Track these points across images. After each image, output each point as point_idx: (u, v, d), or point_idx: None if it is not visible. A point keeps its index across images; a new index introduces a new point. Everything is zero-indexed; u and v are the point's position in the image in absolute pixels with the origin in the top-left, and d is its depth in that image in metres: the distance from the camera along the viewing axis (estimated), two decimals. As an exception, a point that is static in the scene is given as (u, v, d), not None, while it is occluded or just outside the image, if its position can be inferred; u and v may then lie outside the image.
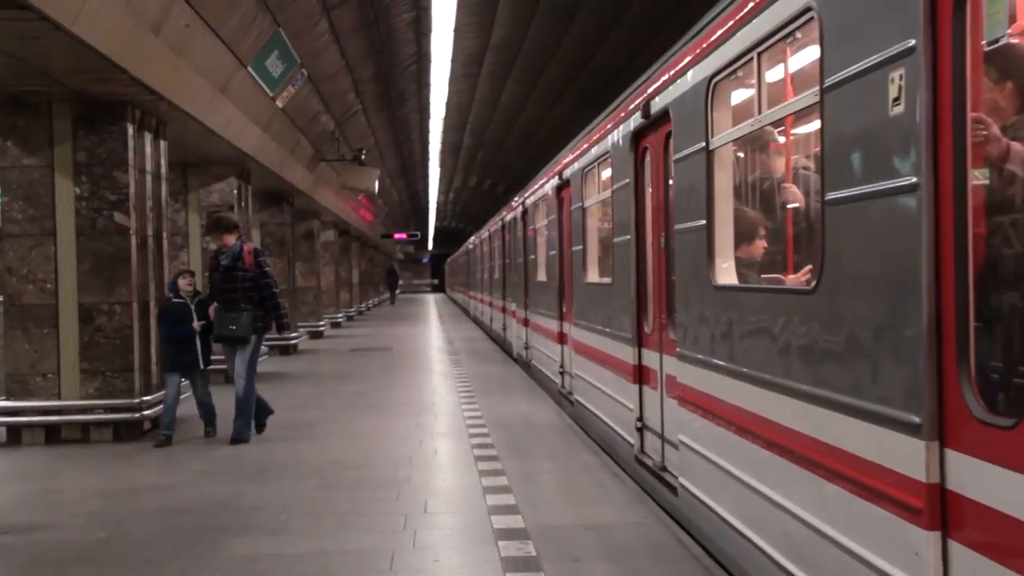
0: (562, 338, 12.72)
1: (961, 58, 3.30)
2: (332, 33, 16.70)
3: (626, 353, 8.56)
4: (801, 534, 4.52)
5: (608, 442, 9.49)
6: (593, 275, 10.62)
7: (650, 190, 7.94)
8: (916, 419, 3.48)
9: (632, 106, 8.18)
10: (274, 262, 21.70)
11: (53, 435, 10.45)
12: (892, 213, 3.68)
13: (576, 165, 11.35)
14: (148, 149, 11.13)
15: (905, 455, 3.56)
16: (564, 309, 12.57)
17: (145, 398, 10.61)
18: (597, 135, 10.05)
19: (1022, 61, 3.21)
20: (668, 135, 7.10)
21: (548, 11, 21.75)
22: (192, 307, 10.52)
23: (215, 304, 10.45)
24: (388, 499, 7.65)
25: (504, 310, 21.64)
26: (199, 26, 10.84)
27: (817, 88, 4.32)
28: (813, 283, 4.43)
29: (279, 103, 15.54)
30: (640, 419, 8.26)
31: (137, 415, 10.51)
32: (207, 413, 10.89)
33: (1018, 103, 3.41)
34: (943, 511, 3.41)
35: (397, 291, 68.90)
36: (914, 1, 3.44)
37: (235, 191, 16.03)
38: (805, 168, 5.47)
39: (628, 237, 8.39)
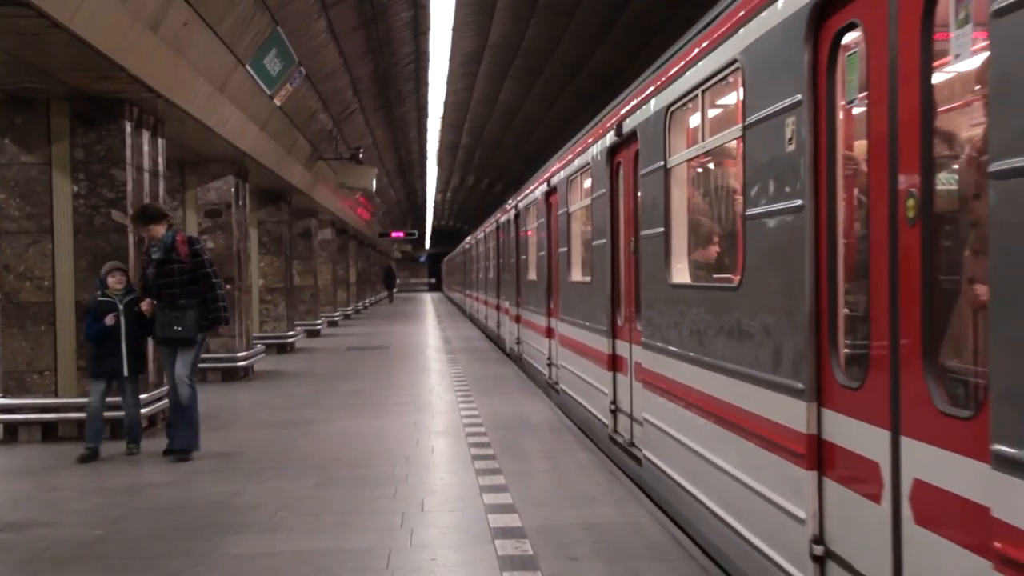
0: (550, 333, 13.57)
1: (833, 111, 4.38)
2: (330, 31, 16.69)
3: (602, 344, 9.59)
4: (727, 484, 5.68)
5: (588, 425, 10.49)
6: (576, 275, 11.51)
7: (623, 200, 8.92)
8: (800, 386, 4.58)
9: (609, 124, 9.23)
10: (272, 260, 21.83)
11: (50, 433, 10.45)
12: (786, 228, 4.77)
13: (562, 174, 12.34)
14: (146, 147, 11.13)
15: (793, 414, 4.67)
16: (552, 306, 13.40)
17: (142, 396, 10.57)
18: (580, 147, 11.04)
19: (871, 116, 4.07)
20: (637, 152, 8.10)
21: (546, 10, 21.77)
22: (120, 306, 9.55)
23: (148, 300, 9.49)
24: (385, 498, 7.66)
25: (498, 308, 22.65)
26: (197, 24, 10.84)
27: (740, 125, 5.38)
28: (737, 282, 5.47)
29: (277, 101, 15.53)
30: (613, 402, 9.32)
31: (134, 413, 10.48)
32: (131, 428, 9.82)
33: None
34: (819, 455, 4.49)
35: (395, 290, 68.95)
36: (800, 66, 4.52)
37: (232, 189, 16.03)
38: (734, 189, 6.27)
39: (604, 241, 9.43)
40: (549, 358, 13.63)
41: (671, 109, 6.98)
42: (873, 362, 4.01)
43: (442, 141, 40.11)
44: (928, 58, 3.57)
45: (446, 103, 31.27)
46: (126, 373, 9.61)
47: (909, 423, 3.72)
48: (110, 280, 9.66)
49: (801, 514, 4.58)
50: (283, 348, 21.61)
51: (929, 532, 3.56)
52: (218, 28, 11.51)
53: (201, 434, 9.66)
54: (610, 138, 9.10)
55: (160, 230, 9.60)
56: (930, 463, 3.56)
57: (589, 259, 10.57)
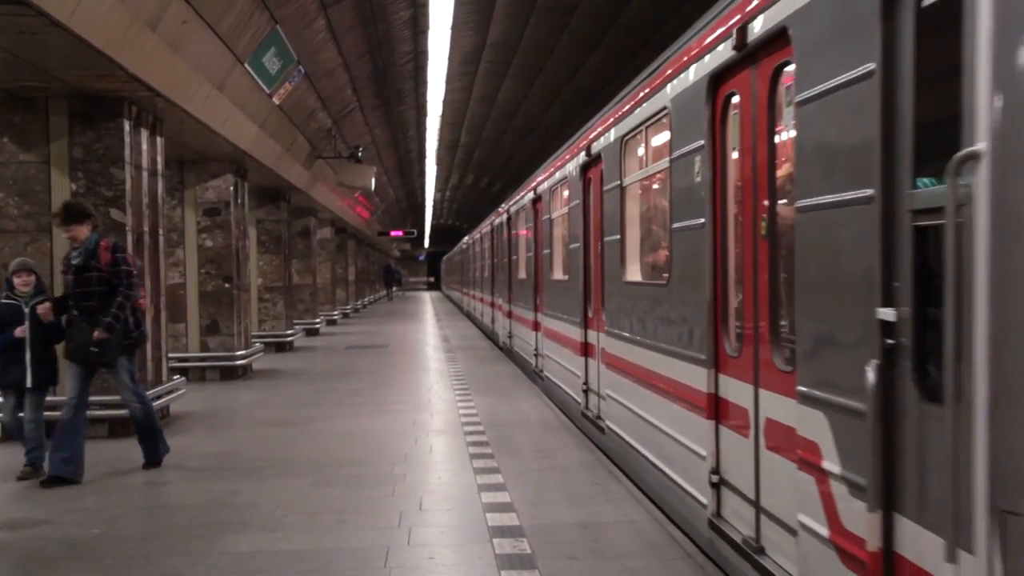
0: (536, 326, 15.03)
1: (724, 154, 5.90)
2: (329, 30, 16.69)
3: (576, 333, 11.11)
4: (661, 439, 7.27)
5: (566, 405, 12.02)
6: (558, 274, 12.93)
7: (593, 210, 10.25)
8: (703, 357, 6.10)
9: (581, 145, 10.67)
10: (271, 259, 21.83)
11: (48, 431, 10.40)
12: (694, 239, 6.29)
13: (546, 184, 13.86)
14: (144, 146, 11.13)
15: (699, 378, 6.18)
16: (538, 302, 14.83)
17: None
18: (560, 162, 12.52)
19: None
20: (601, 171, 9.56)
21: (545, 9, 21.77)
22: (26, 310, 8.61)
23: (47, 305, 8.51)
24: (383, 497, 7.66)
25: (492, 304, 24.26)
26: (196, 23, 10.83)
27: (669, 158, 6.89)
28: (666, 280, 7.01)
29: (276, 100, 15.53)
30: (585, 383, 10.82)
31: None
32: (32, 449, 8.71)
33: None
34: (716, 408, 5.99)
35: (394, 289, 68.98)
36: (703, 119, 6.03)
37: (231, 188, 16.03)
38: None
39: (578, 244, 10.87)
40: (536, 349, 15.01)
41: (625, 138, 8.53)
42: (745, 337, 5.54)
43: (441, 140, 40.11)
44: (772, 125, 5.12)
45: (445, 102, 31.26)
46: (29, 384, 8.60)
47: (763, 379, 5.25)
48: (16, 281, 8.71)
49: (704, 453, 6.15)
50: (282, 347, 21.61)
51: (773, 454, 5.07)
52: (217, 27, 11.51)
53: (196, 432, 9.62)
54: (582, 157, 10.52)
55: (83, 232, 8.48)
56: (773, 405, 5.08)
57: (567, 260, 11.88)
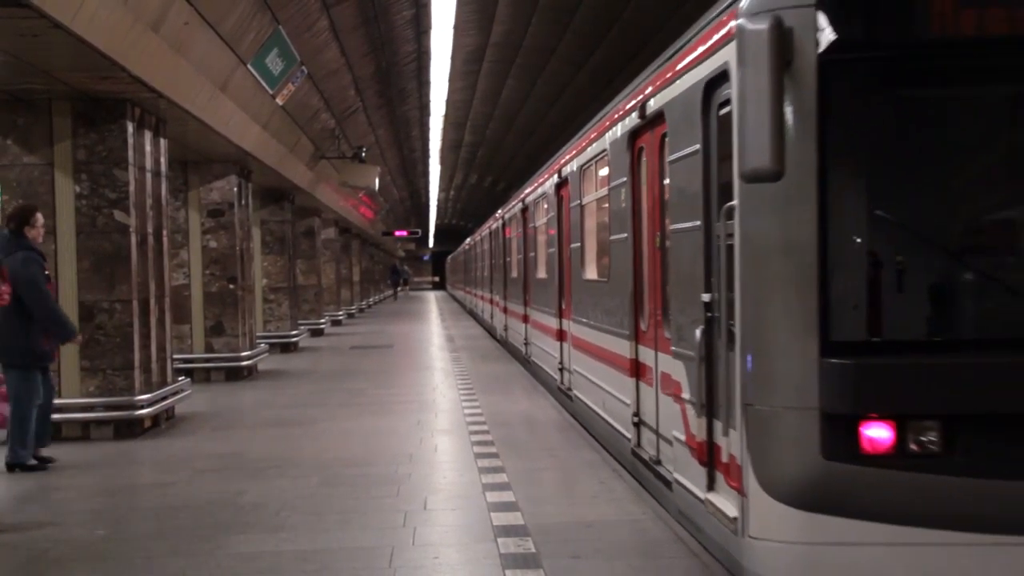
0: (526, 319, 17.25)
1: (639, 188, 7.97)
2: (332, 30, 16.70)
3: (553, 322, 13.34)
4: (604, 396, 9.55)
5: (546, 382, 14.25)
6: (541, 273, 15.08)
7: (564, 222, 12.32)
8: (627, 332, 8.31)
9: (555, 168, 12.93)
10: (275, 260, 21.84)
11: (54, 433, 10.42)
12: (623, 248, 8.39)
13: (531, 196, 16.15)
14: (148, 147, 11.13)
15: (625, 348, 8.40)
16: (527, 298, 17.07)
17: (145, 396, 10.60)
18: (540, 179, 15.05)
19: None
20: (569, 191, 11.86)
21: (548, 8, 21.75)
22: None
23: None
24: (388, 496, 7.66)
25: (491, 302, 26.77)
26: (198, 24, 10.84)
27: (608, 187, 9.13)
28: (608, 279, 9.30)
29: (279, 101, 15.54)
30: (560, 363, 12.86)
31: (138, 413, 10.50)
32: None
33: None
34: (636, 369, 8.18)
35: (400, 289, 69.03)
36: (626, 161, 8.19)
37: (235, 189, 16.03)
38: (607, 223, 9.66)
39: (554, 250, 13.04)
40: (525, 338, 17.32)
41: (582, 167, 10.89)
42: (650, 317, 7.71)
43: (444, 140, 40.10)
44: (661, 173, 7.11)
45: (448, 101, 31.25)
46: None
47: (659, 345, 7.35)
48: None
49: (628, 401, 8.38)
50: (287, 347, 21.62)
51: (665, 395, 7.12)
52: (219, 28, 11.52)
53: (201, 433, 9.57)
54: (555, 178, 12.75)
55: None
56: (665, 362, 7.15)
57: (547, 262, 14.13)
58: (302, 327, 23.92)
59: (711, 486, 5.86)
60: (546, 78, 27.42)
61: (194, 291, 15.75)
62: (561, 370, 12.66)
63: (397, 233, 54.25)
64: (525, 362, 16.90)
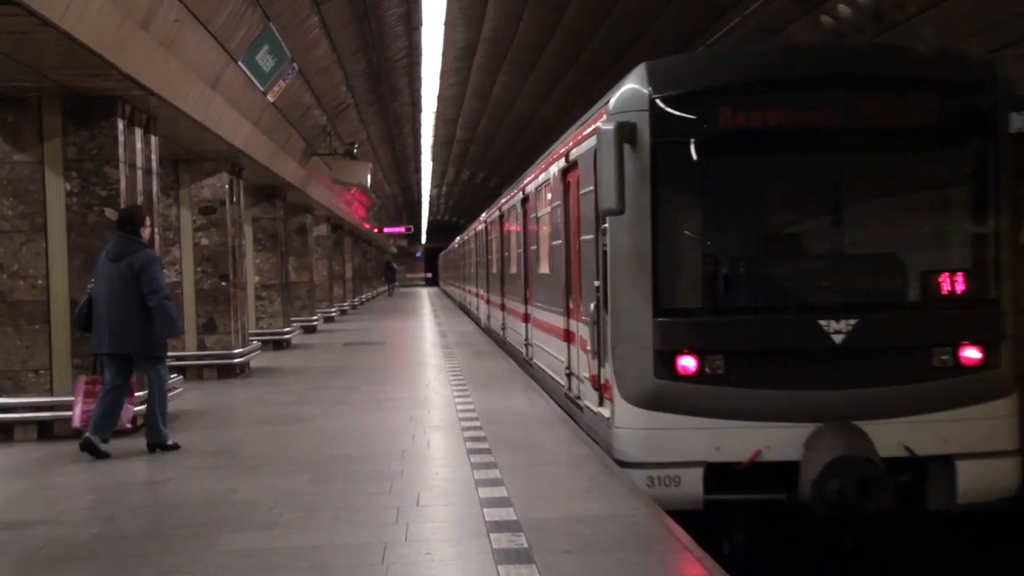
0: (503, 307, 20.63)
1: (569, 209, 10.91)
2: (323, 27, 16.68)
3: (521, 308, 16.43)
4: (552, 360, 12.37)
5: (514, 354, 17.68)
6: (513, 269, 18.25)
7: (528, 229, 15.31)
8: (563, 311, 11.40)
9: (521, 186, 16.37)
10: (267, 257, 21.82)
11: (46, 431, 10.43)
12: (560, 251, 11.47)
13: (506, 207, 19.72)
14: (139, 144, 11.11)
15: (562, 321, 11.49)
16: (503, 290, 20.45)
17: (137, 393, 10.57)
18: (510, 195, 19.10)
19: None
20: (529, 205, 15.12)
21: (538, 4, 21.74)
22: None
23: None
24: (381, 493, 7.67)
25: (476, 295, 30.41)
26: (189, 21, 10.83)
27: (550, 206, 12.34)
28: (552, 271, 12.35)
29: (270, 98, 15.52)
30: (526, 340, 15.83)
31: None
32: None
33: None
34: (567, 335, 11.14)
35: (395, 284, 69.02)
36: (560, 189, 11.35)
37: (227, 186, 16.01)
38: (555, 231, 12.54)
39: (521, 251, 16.44)
40: (502, 324, 20.79)
41: (537, 188, 14.01)
42: (572, 298, 10.69)
43: (436, 136, 40.08)
44: (576, 197, 10.26)
45: (440, 98, 31.23)
46: None
47: (578, 317, 10.22)
48: None
49: (563, 359, 11.32)
50: (279, 344, 21.60)
51: (580, 350, 10.15)
52: (210, 25, 11.50)
53: (194, 430, 9.56)
54: (520, 195, 16.23)
55: None
56: (581, 328, 9.92)
57: (517, 261, 17.34)
58: (295, 324, 23.89)
59: (600, 403, 9.14)
60: (537, 74, 27.42)
61: (186, 288, 15.73)
62: (526, 346, 15.85)
63: (389, 230, 54.21)
64: (502, 344, 20.86)
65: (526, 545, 6.09)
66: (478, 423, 10.67)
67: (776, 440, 7.87)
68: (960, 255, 8.63)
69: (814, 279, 8.82)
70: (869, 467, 7.49)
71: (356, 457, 9.14)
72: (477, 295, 29.80)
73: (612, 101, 8.56)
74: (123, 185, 10.60)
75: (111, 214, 10.45)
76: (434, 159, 48.48)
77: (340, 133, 23.55)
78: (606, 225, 8.58)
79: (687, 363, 7.98)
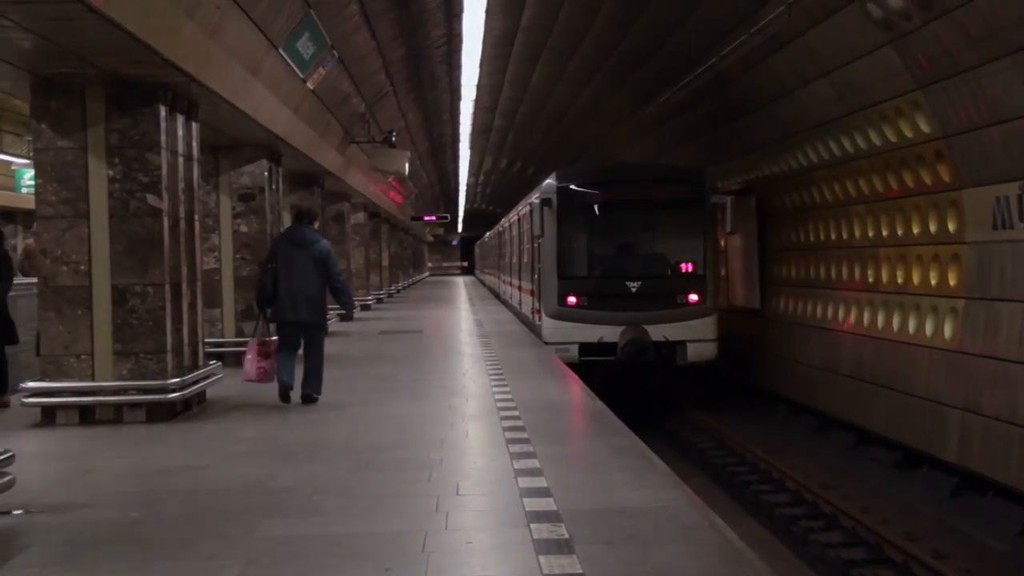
0: (506, 281, 32.10)
1: (522, 230, 25.93)
2: (363, 14, 16.68)
3: (514, 280, 27.92)
4: (523, 301, 24.92)
5: (511, 307, 29.28)
6: (509, 260, 28.71)
7: (523, 237, 23.99)
8: (530, 281, 23.10)
9: (517, 211, 27.65)
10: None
11: (87, 416, 10.51)
12: (526, 252, 24.45)
13: (506, 223, 33.48)
14: (180, 131, 11.15)
15: (528, 285, 23.73)
16: (507, 270, 31.19)
17: (176, 379, 10.65)
18: (513, 214, 30.40)
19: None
20: (518, 222, 26.91)
21: (579, -8, 21.63)
22: None
23: None
24: (420, 481, 7.66)
25: (499, 279, 40.04)
26: (231, 8, 10.85)
27: (519, 229, 26.94)
28: (516, 261, 28.04)
29: (310, 85, 15.55)
30: (513, 296, 28.35)
31: (170, 396, 10.55)
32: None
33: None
34: (532, 293, 22.53)
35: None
36: (537, 214, 20.17)
37: (266, 173, 16.05)
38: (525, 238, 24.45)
39: (510, 249, 28.49)
40: (508, 292, 32.11)
41: (518, 215, 26.76)
42: (534, 273, 21.73)
43: (475, 124, 40.02)
44: (528, 226, 22.95)
45: (479, 86, 31.18)
46: None
47: (533, 282, 22.03)
48: None
49: (529, 301, 22.61)
50: (317, 331, 21.62)
51: (531, 296, 22.51)
52: (251, 12, 11.52)
53: (233, 416, 9.62)
54: (516, 215, 26.99)
55: None
56: (534, 288, 21.94)
57: (510, 256, 28.17)
58: (331, 312, 23.91)
59: (538, 319, 19.99)
60: (576, 63, 27.30)
61: (225, 275, 15.78)
62: (512, 298, 28.69)
63: (426, 218, 54.30)
64: (510, 305, 30.66)
65: (566, 536, 6.05)
66: (516, 412, 10.63)
67: (608, 332, 18.39)
68: (689, 256, 19.41)
69: (625, 264, 19.74)
70: (645, 343, 18.11)
71: (395, 445, 9.13)
72: (499, 277, 40.43)
73: (542, 187, 20.11)
74: (164, 171, 10.63)
75: (153, 200, 10.49)
76: (471, 147, 48.42)
77: (379, 121, 23.57)
78: (539, 242, 20.05)
79: (571, 299, 19.14)
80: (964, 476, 13.20)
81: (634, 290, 18.61)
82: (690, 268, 19.26)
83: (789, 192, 20.36)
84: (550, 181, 19.59)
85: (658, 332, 18.26)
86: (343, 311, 12.94)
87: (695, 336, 18.50)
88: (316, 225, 12.12)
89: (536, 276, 20.45)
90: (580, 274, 19.41)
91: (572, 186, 19.57)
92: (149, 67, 9.78)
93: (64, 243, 10.48)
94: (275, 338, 11.46)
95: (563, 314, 18.89)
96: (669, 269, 19.55)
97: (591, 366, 17.67)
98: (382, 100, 23.37)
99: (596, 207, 19.81)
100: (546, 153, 44.09)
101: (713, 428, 19.23)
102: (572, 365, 15.77)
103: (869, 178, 16.39)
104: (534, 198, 20.44)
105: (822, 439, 18.01)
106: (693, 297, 18.78)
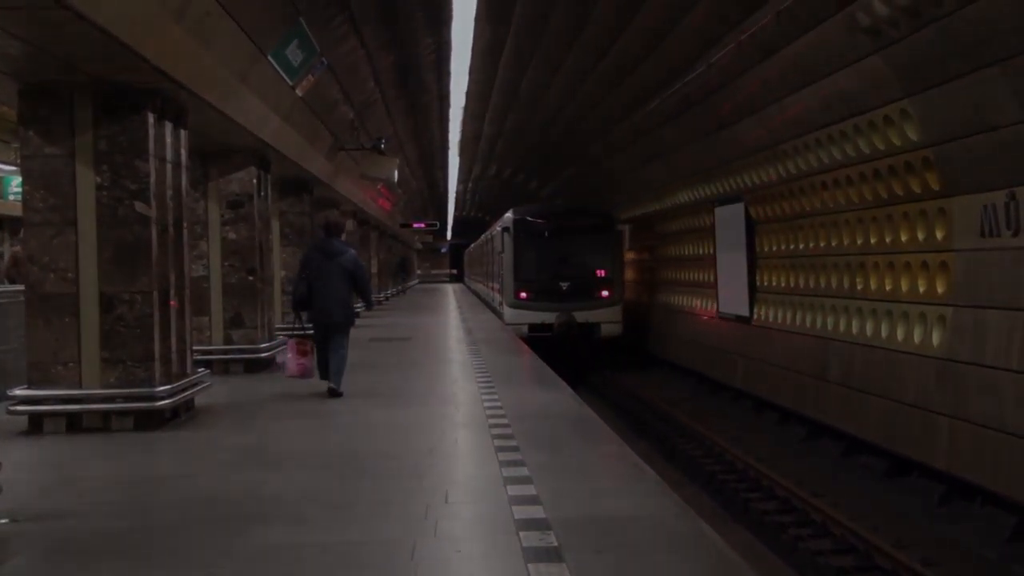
0: (484, 284, 43.33)
1: (495, 247, 36.86)
2: (352, 22, 16.66)
3: (490, 283, 38.78)
4: (493, 298, 36.87)
5: (487, 302, 40.87)
6: (485, 268, 43.34)
7: (494, 251, 35.30)
8: (497, 283, 34.36)
9: (490, 231, 41.25)
10: (294, 251, 21.81)
11: (74, 424, 10.45)
12: (498, 260, 34.03)
13: (484, 237, 48.35)
14: (168, 138, 11.11)
15: (496, 287, 34.83)
16: (485, 276, 40.80)
17: (165, 387, 10.60)
18: (487, 234, 46.31)
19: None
20: (490, 241, 40.30)
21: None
22: None
23: None
24: (409, 489, 7.64)
25: (482, 282, 48.60)
26: (220, 15, 10.82)
27: (491, 245, 38.57)
28: (489, 269, 40.78)
29: (299, 92, 15.51)
30: (488, 295, 40.46)
31: (158, 404, 10.50)
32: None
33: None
34: (497, 290, 34.60)
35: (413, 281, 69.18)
36: (501, 238, 32.38)
37: (254, 180, 16.01)
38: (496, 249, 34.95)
39: (487, 259, 41.67)
40: (486, 293, 41.10)
41: (490, 236, 40.62)
42: (499, 278, 33.07)
43: (464, 131, 40.02)
44: (496, 245, 36.62)
45: (468, 93, 31.17)
46: None
47: (498, 284, 33.81)
48: None
49: (497, 297, 34.49)
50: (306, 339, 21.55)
51: (497, 294, 33.76)
52: (240, 19, 11.50)
53: (221, 424, 9.62)
54: (488, 236, 42.44)
55: None
56: (497, 287, 34.31)
57: (485, 264, 40.83)
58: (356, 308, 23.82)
59: (502, 310, 30.54)
60: (565, 70, 27.32)
61: (213, 283, 15.72)
62: (488, 296, 39.06)
63: (415, 225, 54.28)
64: (475, 295, 41.19)
65: (556, 544, 6.04)
66: (505, 420, 10.62)
67: (548, 317, 28.55)
68: (605, 266, 29.75)
69: (559, 271, 29.23)
70: (572, 323, 28.47)
71: (384, 453, 9.12)
72: (483, 283, 47.61)
73: (504, 218, 31.78)
74: (153, 178, 10.58)
75: (141, 207, 10.45)
76: (461, 154, 48.38)
77: (368, 128, 23.55)
78: (502, 255, 30.86)
79: (523, 295, 29.29)
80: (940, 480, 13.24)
81: (565, 288, 29.04)
82: (603, 273, 29.65)
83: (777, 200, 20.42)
84: (509, 215, 30.95)
85: (582, 316, 28.50)
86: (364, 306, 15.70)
87: (607, 319, 29.01)
88: (343, 237, 14.15)
89: (500, 278, 31.38)
90: (529, 278, 29.54)
91: (525, 218, 30.60)
92: (137, 74, 9.75)
93: (52, 250, 10.43)
94: (311, 331, 13.05)
95: (518, 304, 29.33)
96: (589, 274, 29.60)
97: (536, 340, 25.63)
98: (371, 107, 23.35)
99: (540, 232, 30.23)
100: (534, 161, 44.14)
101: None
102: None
103: (847, 190, 16.54)
104: (498, 227, 33.46)
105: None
106: (605, 293, 29.30)
